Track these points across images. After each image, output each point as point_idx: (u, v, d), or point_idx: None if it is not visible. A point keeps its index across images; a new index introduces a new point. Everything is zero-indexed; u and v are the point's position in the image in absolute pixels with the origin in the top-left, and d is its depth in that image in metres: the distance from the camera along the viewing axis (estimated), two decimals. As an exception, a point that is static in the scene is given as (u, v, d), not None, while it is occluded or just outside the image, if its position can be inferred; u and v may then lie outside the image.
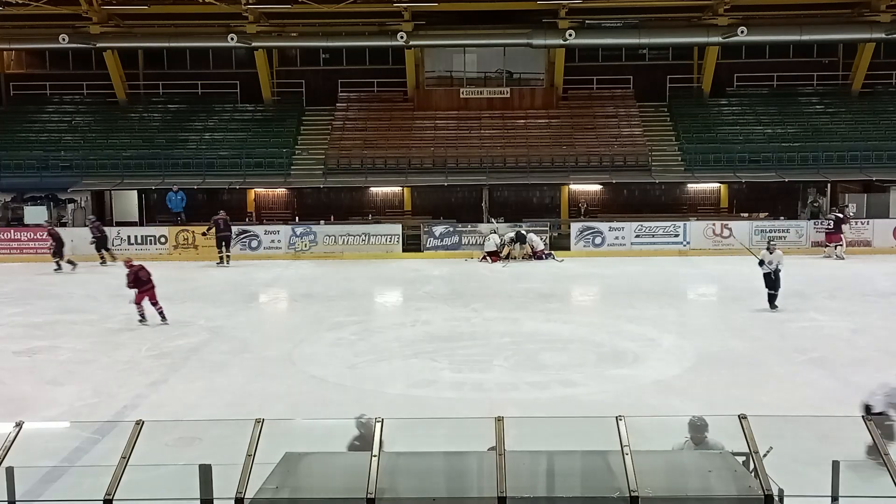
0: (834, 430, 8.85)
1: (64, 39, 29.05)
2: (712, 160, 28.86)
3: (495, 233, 25.96)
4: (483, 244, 25.88)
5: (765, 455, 6.28)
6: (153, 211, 29.81)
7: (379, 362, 14.38)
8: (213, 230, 25.48)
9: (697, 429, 7.93)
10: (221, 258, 25.32)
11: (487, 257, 25.42)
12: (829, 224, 25.70)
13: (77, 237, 26.62)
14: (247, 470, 5.95)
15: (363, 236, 26.75)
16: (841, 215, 25.52)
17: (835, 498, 6.23)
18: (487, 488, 5.91)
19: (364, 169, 29.45)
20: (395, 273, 24.04)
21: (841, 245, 24.94)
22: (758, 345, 15.02)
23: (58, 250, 24.83)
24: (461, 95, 31.92)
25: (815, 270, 23.13)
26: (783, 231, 26.16)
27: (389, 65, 32.37)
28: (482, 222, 27.15)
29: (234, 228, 26.14)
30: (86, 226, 26.63)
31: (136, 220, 29.03)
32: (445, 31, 30.11)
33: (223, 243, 25.38)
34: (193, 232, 26.60)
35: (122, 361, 14.36)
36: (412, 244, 26.83)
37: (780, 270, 17.73)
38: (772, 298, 17.73)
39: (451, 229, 26.87)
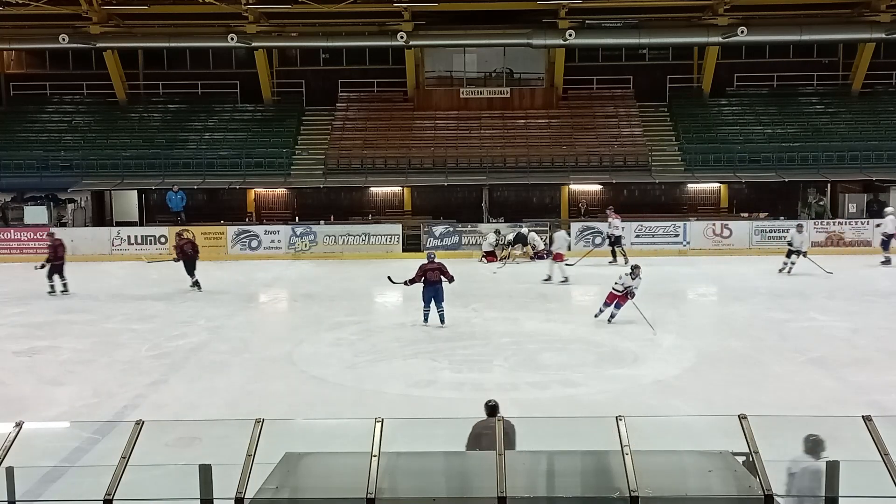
0: (834, 430, 8.84)
1: (64, 39, 29.04)
2: (712, 160, 28.85)
3: (495, 233, 25.93)
4: (481, 244, 25.87)
5: None
6: (153, 211, 29.79)
7: (379, 362, 14.38)
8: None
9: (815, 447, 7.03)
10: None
11: (484, 258, 25.40)
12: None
13: (77, 237, 26.64)
14: (247, 470, 5.95)
15: (363, 236, 26.74)
16: None
17: (833, 499, 6.22)
18: (487, 488, 5.91)
19: (364, 169, 29.44)
20: (395, 273, 23.94)
21: None
22: (758, 345, 15.01)
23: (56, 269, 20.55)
24: (461, 95, 31.91)
25: (814, 270, 23.12)
26: (783, 231, 26.09)
27: (389, 65, 32.37)
28: (482, 222, 27.15)
29: (234, 228, 25.93)
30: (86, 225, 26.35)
31: (136, 220, 29.05)
32: (445, 31, 30.09)
33: None
34: (192, 233, 26.56)
35: (122, 361, 14.35)
36: (412, 244, 26.81)
37: None
38: None
39: (451, 229, 26.86)
